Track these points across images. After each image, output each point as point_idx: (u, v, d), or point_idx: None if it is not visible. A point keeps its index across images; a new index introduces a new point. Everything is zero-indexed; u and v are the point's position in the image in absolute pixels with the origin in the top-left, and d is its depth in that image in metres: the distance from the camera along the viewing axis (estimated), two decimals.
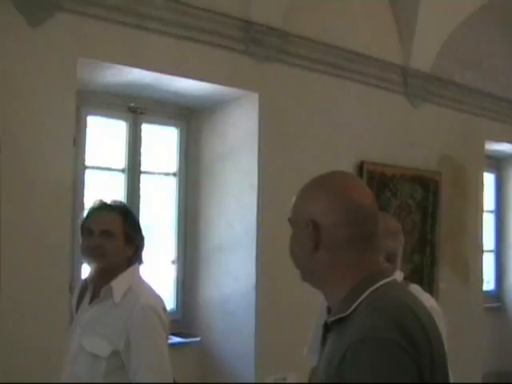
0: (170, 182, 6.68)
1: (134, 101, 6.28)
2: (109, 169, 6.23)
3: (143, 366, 3.31)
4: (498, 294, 10.69)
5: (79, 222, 3.75)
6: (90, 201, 5.69)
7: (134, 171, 6.29)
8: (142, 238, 3.60)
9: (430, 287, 8.14)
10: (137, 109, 6.31)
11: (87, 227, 3.52)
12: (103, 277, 3.49)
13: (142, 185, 6.35)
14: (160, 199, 6.63)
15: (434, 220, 8.31)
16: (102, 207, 3.59)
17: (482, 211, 9.51)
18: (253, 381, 6.39)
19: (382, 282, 2.12)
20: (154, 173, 6.54)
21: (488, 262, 10.09)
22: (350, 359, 1.95)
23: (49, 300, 5.00)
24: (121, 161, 6.26)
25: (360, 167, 7.37)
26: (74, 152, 5.37)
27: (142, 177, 6.38)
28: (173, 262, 6.65)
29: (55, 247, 5.13)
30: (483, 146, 9.34)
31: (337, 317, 2.11)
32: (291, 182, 6.59)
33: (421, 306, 2.18)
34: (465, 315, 8.76)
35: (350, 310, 2.07)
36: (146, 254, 3.64)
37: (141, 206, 6.34)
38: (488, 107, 9.23)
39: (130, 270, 3.53)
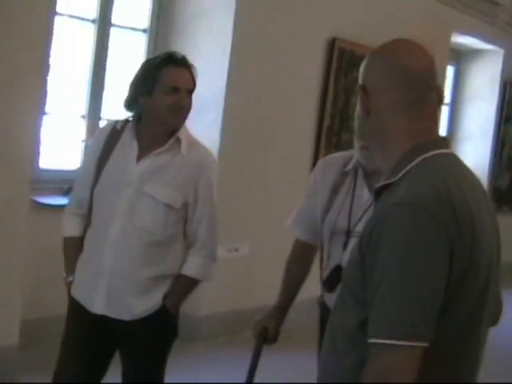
0: (139, 38, 6.44)
1: None
2: (79, 18, 5.96)
3: (208, 215, 3.47)
4: None
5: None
6: (57, 50, 5.62)
7: (104, 23, 6.02)
8: None
9: None
10: None
11: (171, 84, 3.46)
12: (153, 131, 3.46)
13: (111, 38, 6.10)
14: (128, 55, 6.38)
15: None
16: (181, 63, 3.52)
17: (443, 103, 9.48)
18: None
19: (436, 152, 2.08)
20: (124, 27, 6.30)
21: None
22: (381, 221, 1.93)
23: None
24: (92, 11, 5.98)
25: (332, 43, 7.25)
26: None
27: (112, 30, 6.13)
28: None
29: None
30: (450, 36, 9.28)
31: (385, 182, 2.09)
32: (263, 48, 6.55)
33: (479, 187, 2.17)
34: None
35: (398, 177, 2.04)
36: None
37: (108, 60, 6.10)
38: None
39: (185, 125, 3.54)
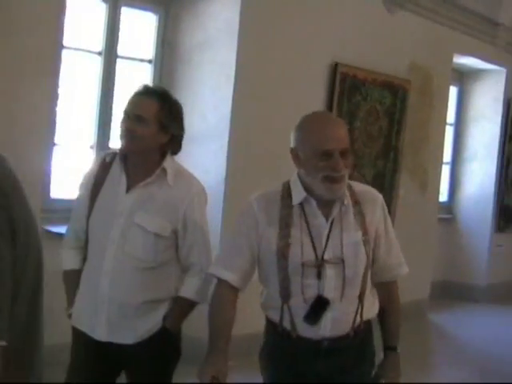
0: (145, 69, 6.59)
1: None
2: (86, 50, 6.10)
3: (199, 242, 3.56)
4: (450, 205, 10.89)
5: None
6: (65, 82, 5.77)
7: (110, 55, 6.17)
8: (179, 128, 3.58)
9: (390, 193, 8.26)
10: None
11: (124, 110, 3.56)
12: (135, 161, 3.55)
13: (117, 69, 6.24)
14: (134, 85, 6.49)
15: (399, 127, 8.37)
16: (141, 92, 3.58)
17: (445, 123, 9.63)
18: None
19: None
20: (130, 58, 6.44)
21: (443, 174, 10.20)
22: None
23: None
24: (98, 43, 6.13)
25: (334, 68, 7.36)
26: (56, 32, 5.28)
27: (118, 61, 6.27)
28: None
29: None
30: (451, 58, 9.38)
31: None
32: (267, 76, 6.65)
33: None
34: (419, 223, 8.93)
35: None
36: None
37: (115, 90, 6.24)
38: (459, 20, 9.21)
39: (170, 156, 3.58)
